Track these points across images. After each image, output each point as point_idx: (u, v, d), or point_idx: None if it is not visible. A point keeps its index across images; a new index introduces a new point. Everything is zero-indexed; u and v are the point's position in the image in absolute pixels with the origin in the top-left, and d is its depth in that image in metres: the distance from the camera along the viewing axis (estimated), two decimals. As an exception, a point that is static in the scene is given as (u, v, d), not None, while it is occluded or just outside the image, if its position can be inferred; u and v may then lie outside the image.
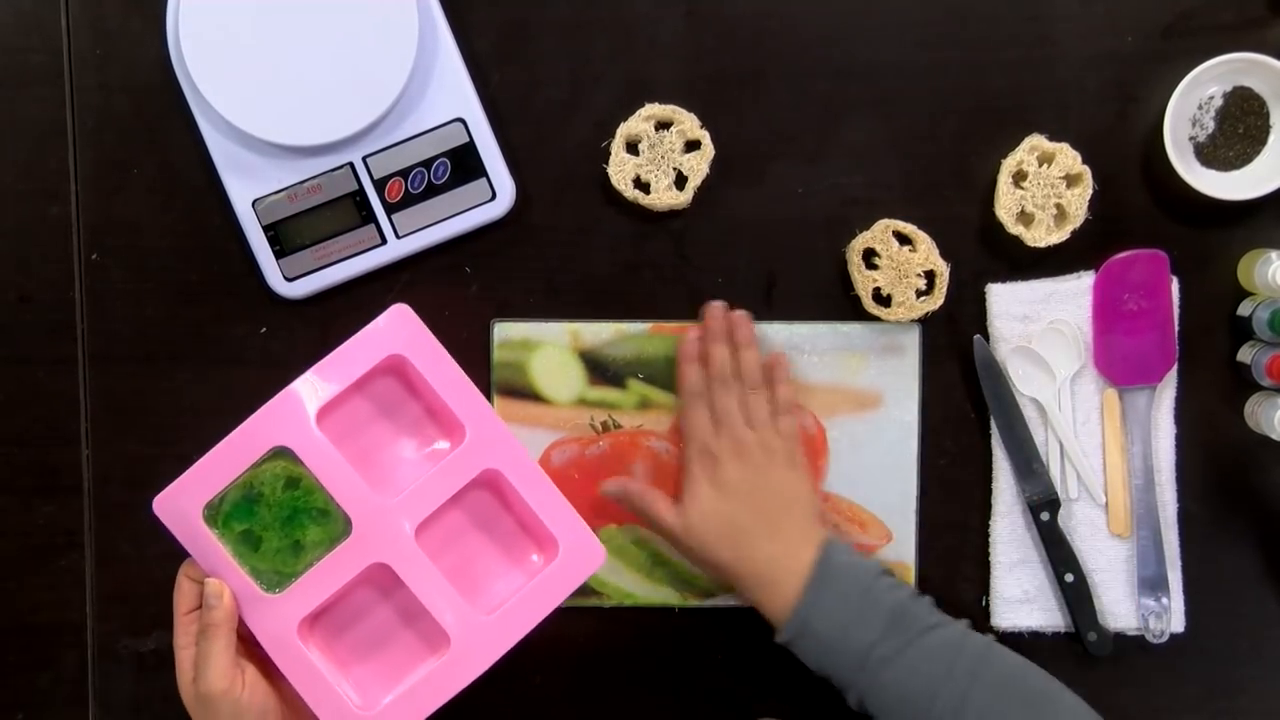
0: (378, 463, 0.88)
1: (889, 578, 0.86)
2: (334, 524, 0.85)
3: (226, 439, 0.84)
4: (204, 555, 0.83)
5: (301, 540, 0.85)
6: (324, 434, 0.84)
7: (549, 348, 0.94)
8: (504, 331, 0.94)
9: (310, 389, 0.84)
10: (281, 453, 0.84)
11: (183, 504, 0.83)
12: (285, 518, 0.84)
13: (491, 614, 0.85)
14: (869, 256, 0.93)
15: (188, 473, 0.83)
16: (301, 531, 0.84)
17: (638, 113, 0.92)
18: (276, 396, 0.84)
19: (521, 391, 0.94)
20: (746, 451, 0.88)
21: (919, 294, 0.92)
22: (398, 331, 0.85)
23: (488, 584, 0.89)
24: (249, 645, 0.84)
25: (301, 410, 0.84)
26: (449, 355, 0.85)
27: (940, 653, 0.82)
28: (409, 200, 0.92)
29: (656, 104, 0.92)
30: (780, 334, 0.94)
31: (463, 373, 0.85)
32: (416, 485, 0.85)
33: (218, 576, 0.83)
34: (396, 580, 0.84)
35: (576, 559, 0.86)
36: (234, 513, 0.84)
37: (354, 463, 0.85)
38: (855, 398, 0.94)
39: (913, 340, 0.94)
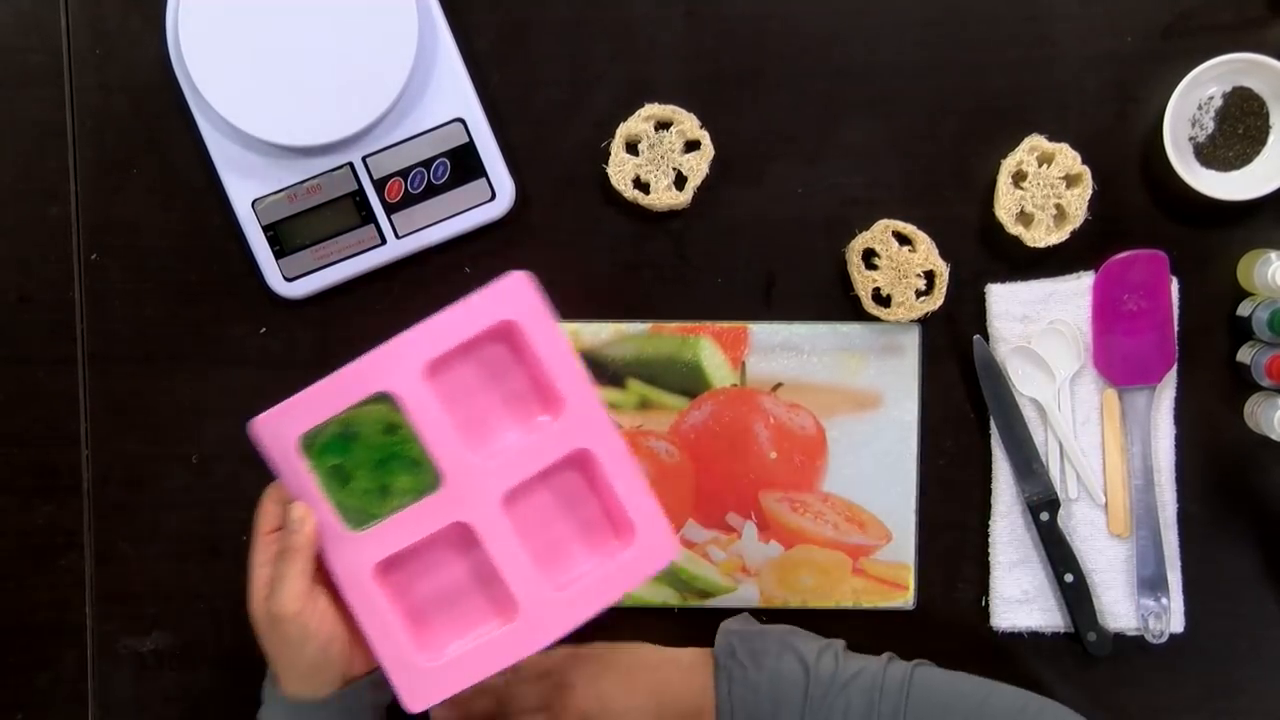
0: (477, 425, 0.87)
1: (790, 644, 0.88)
2: (425, 475, 0.84)
3: (333, 375, 0.83)
4: (293, 481, 0.83)
5: (390, 486, 0.84)
6: (429, 388, 0.84)
7: (549, 348, 0.94)
8: (503, 332, 0.94)
9: (421, 341, 0.84)
10: (384, 398, 0.84)
11: (282, 428, 0.83)
12: (378, 461, 0.84)
13: (562, 590, 0.85)
14: (869, 257, 0.93)
15: (291, 400, 0.83)
16: (392, 477, 0.84)
17: (637, 113, 0.92)
18: (390, 342, 0.83)
19: (521, 392, 0.94)
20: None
21: (919, 294, 0.92)
22: (514, 298, 0.84)
23: (565, 563, 0.88)
24: (324, 577, 0.83)
25: (411, 360, 0.83)
26: (560, 330, 0.84)
27: (861, 702, 0.84)
28: (409, 200, 0.92)
29: (656, 104, 0.92)
30: (780, 334, 0.94)
31: (571, 348, 0.84)
32: (510, 452, 0.85)
33: (305, 499, 0.82)
34: (475, 542, 0.84)
35: (650, 550, 0.85)
36: (329, 446, 0.84)
37: (454, 421, 0.84)
38: (855, 398, 0.94)
39: (912, 340, 0.94)
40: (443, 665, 0.83)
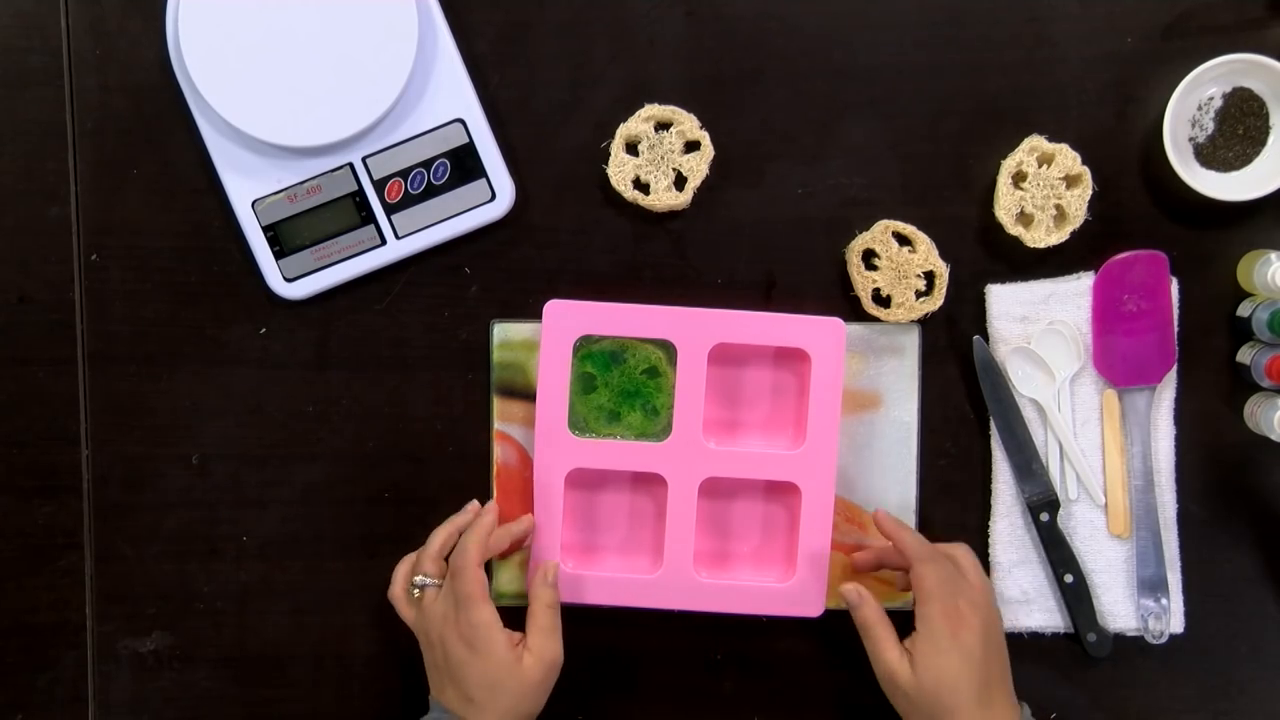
0: (728, 420, 0.94)
1: None
2: (654, 424, 0.93)
3: (640, 306, 0.91)
4: (551, 368, 0.91)
5: (622, 416, 0.93)
6: (707, 362, 0.91)
7: (549, 348, 0.95)
8: (504, 332, 0.94)
9: (726, 322, 0.91)
10: (666, 346, 0.92)
11: (570, 320, 0.91)
12: (625, 391, 0.92)
13: (702, 577, 0.92)
14: (869, 257, 0.93)
15: (591, 303, 0.91)
16: (628, 410, 0.93)
17: (637, 113, 0.92)
18: (702, 309, 0.91)
19: (521, 392, 0.94)
20: (982, 610, 0.86)
21: (918, 295, 0.92)
22: (823, 337, 0.91)
23: (725, 561, 0.95)
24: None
25: (709, 330, 0.91)
26: (842, 383, 0.91)
27: None
28: (409, 201, 0.92)
29: (656, 105, 0.92)
30: (781, 334, 0.95)
31: (839, 403, 0.91)
32: (736, 451, 0.92)
33: (548, 387, 0.91)
34: (660, 500, 0.93)
35: (797, 596, 0.92)
36: (595, 357, 0.93)
37: (709, 402, 0.92)
38: (855, 398, 0.94)
39: (912, 341, 0.94)
40: (573, 574, 0.92)
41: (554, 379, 0.91)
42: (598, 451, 0.92)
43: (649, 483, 0.93)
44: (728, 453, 0.92)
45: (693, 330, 0.91)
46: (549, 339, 0.91)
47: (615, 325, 0.91)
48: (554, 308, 0.91)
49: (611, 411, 0.93)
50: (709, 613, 0.93)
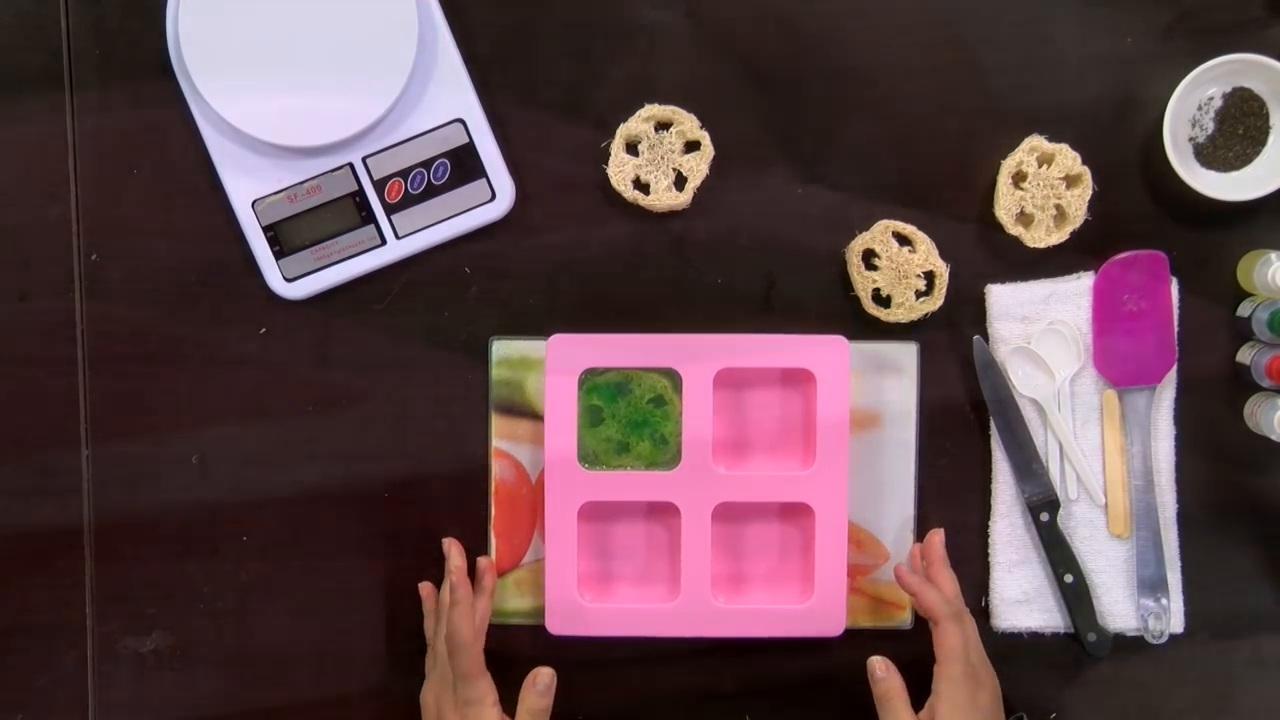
0: (736, 442, 0.94)
1: None
2: (664, 452, 0.93)
3: (645, 335, 0.91)
4: (557, 402, 0.91)
5: (631, 447, 0.93)
6: (712, 386, 0.91)
7: (549, 359, 0.95)
8: (502, 349, 0.94)
9: (729, 346, 0.91)
10: (670, 374, 0.92)
11: (574, 353, 0.91)
12: (632, 421, 0.92)
13: (719, 603, 0.92)
14: (868, 257, 0.93)
15: (596, 335, 0.91)
16: (637, 440, 0.92)
17: (637, 113, 0.92)
18: (703, 335, 0.91)
19: (519, 410, 0.94)
20: (990, 672, 0.88)
21: (918, 295, 0.92)
22: (826, 354, 0.91)
23: (741, 586, 0.95)
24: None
25: (712, 357, 0.91)
26: (847, 403, 0.91)
27: None
28: (409, 201, 0.92)
29: (656, 104, 0.92)
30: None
31: (846, 421, 0.91)
32: (747, 475, 0.92)
33: (556, 422, 0.90)
34: (674, 528, 0.92)
35: (817, 617, 0.92)
36: (601, 389, 0.92)
37: (716, 427, 0.92)
38: (854, 417, 0.93)
39: (911, 360, 0.94)
40: (590, 607, 0.92)
41: (561, 413, 0.91)
42: (609, 484, 0.92)
43: (662, 511, 0.93)
44: (738, 477, 0.92)
45: (696, 357, 0.90)
46: (553, 373, 0.91)
47: (619, 356, 0.91)
48: (557, 342, 0.90)
49: (620, 443, 0.93)
50: (725, 638, 0.93)
